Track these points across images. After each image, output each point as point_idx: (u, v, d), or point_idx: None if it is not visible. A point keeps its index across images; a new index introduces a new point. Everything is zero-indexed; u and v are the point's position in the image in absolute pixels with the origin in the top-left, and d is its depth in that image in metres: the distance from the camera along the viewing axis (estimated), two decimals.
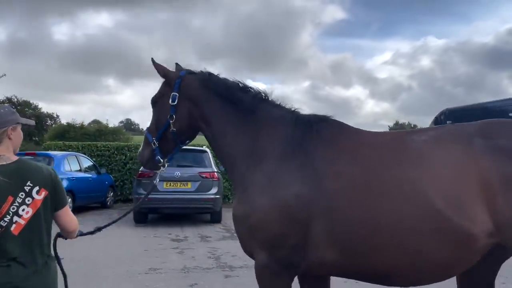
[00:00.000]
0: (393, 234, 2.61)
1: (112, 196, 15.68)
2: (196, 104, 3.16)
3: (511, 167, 2.50)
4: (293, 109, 3.18)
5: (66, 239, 2.68)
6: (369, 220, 2.64)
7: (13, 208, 2.28)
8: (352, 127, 3.08)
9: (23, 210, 2.30)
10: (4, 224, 2.26)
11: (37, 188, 2.35)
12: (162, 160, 3.21)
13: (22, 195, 2.30)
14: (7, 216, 2.27)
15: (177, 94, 3.11)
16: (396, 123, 60.39)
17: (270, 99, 3.18)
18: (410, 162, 2.68)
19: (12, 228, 2.28)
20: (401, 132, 3.08)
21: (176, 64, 3.33)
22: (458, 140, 2.68)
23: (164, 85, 3.26)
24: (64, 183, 11.91)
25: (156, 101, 3.26)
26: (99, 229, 3.02)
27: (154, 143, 3.20)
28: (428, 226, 2.56)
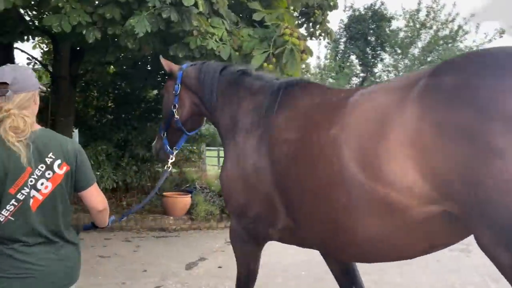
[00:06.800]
0: (314, 204, 2.37)
1: None
2: (193, 91, 3.35)
3: (449, 111, 1.85)
4: (276, 79, 3.10)
5: (96, 228, 2.41)
6: (301, 188, 2.44)
7: (31, 181, 2.00)
8: (323, 86, 2.88)
9: (41, 184, 2.02)
10: (21, 198, 1.99)
11: (59, 161, 2.06)
12: (166, 152, 3.41)
13: (42, 167, 2.02)
14: (25, 188, 1.99)
15: (179, 85, 3.36)
16: None
17: (253, 73, 3.21)
18: (337, 120, 2.29)
19: (30, 203, 2.01)
20: (362, 88, 2.52)
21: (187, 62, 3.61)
22: (402, 85, 2.14)
23: (169, 79, 3.53)
24: None
25: (163, 95, 3.49)
26: (126, 214, 3.22)
27: (163, 135, 3.43)
28: (343, 194, 2.19)
